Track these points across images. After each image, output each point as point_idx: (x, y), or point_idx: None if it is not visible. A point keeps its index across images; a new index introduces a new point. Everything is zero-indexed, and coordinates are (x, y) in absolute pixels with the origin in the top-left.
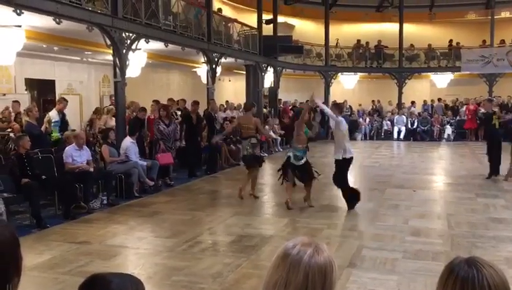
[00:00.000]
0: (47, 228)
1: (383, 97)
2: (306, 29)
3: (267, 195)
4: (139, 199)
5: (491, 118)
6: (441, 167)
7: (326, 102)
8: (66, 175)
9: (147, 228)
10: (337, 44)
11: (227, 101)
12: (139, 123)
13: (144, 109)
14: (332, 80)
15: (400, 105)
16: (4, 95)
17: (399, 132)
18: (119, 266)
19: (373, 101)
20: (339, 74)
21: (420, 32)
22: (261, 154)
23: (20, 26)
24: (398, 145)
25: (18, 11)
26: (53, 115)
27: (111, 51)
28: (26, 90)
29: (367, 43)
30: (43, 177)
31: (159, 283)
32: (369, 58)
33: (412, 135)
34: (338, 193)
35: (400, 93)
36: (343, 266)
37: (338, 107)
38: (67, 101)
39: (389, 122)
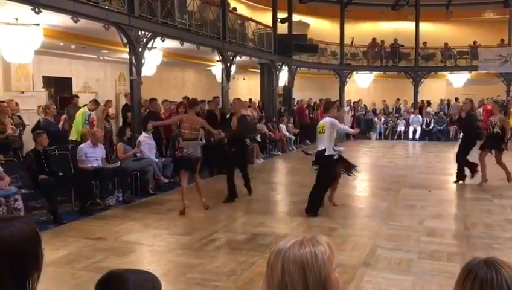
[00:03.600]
0: (63, 224)
1: (398, 96)
2: (321, 27)
3: (280, 194)
4: (153, 196)
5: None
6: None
7: (340, 101)
8: (82, 172)
9: (161, 225)
10: (352, 43)
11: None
12: (152, 118)
13: (154, 100)
14: (347, 79)
15: (415, 104)
16: (22, 92)
17: (414, 132)
18: (134, 263)
19: (398, 99)
20: (354, 72)
21: (437, 31)
22: (198, 155)
23: (38, 24)
24: (413, 145)
25: (36, 9)
26: (86, 111)
27: (127, 50)
28: (43, 87)
29: (382, 41)
30: (60, 174)
31: (174, 280)
32: (385, 57)
33: (427, 135)
34: (352, 192)
35: (416, 92)
36: (358, 266)
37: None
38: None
39: (404, 122)
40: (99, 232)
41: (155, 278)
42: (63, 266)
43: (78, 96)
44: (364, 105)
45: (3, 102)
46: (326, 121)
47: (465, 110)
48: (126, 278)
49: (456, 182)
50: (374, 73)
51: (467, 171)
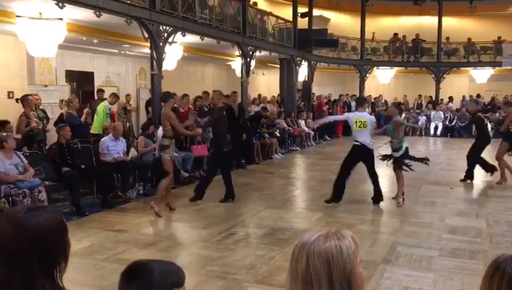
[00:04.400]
0: (86, 216)
1: (419, 92)
2: (341, 22)
3: (298, 189)
4: (173, 189)
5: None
6: (479, 164)
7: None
8: (104, 165)
9: (181, 218)
10: (373, 37)
11: (259, 95)
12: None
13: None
14: (368, 74)
15: (437, 100)
16: (46, 86)
17: (436, 128)
18: (154, 255)
19: (420, 95)
20: (375, 68)
21: (460, 26)
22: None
23: (61, 19)
24: (434, 141)
25: (60, 4)
26: (107, 105)
27: (148, 44)
28: (66, 81)
29: (404, 36)
30: (83, 166)
31: (194, 273)
32: (406, 52)
33: (449, 132)
34: (371, 188)
35: (438, 88)
36: (377, 262)
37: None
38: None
39: (425, 118)
40: (120, 224)
41: (179, 269)
42: (86, 256)
43: (103, 91)
44: (385, 101)
45: (29, 95)
46: (366, 117)
47: (471, 111)
48: (151, 268)
49: (462, 181)
50: (395, 68)
51: (479, 170)
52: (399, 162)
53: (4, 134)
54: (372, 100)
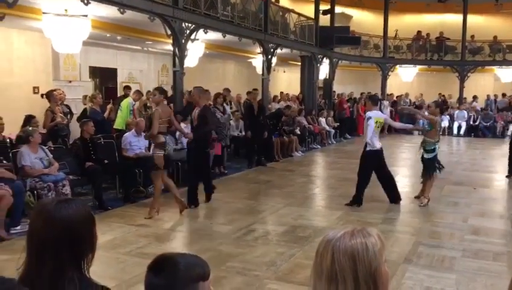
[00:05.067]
0: (108, 210)
1: (442, 91)
2: (364, 19)
3: (318, 187)
4: None
5: None
6: (504, 165)
7: (382, 95)
8: (127, 160)
9: (201, 214)
10: (396, 35)
11: (281, 92)
12: (191, 109)
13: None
14: (390, 73)
15: (461, 99)
16: (70, 82)
17: (459, 128)
18: (176, 250)
19: (443, 95)
20: (397, 66)
21: (485, 24)
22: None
23: (86, 15)
24: (457, 141)
25: (85, 1)
26: (131, 101)
27: (171, 41)
28: (90, 78)
29: (427, 34)
30: (106, 161)
31: (215, 268)
32: (430, 51)
33: (473, 131)
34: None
35: (462, 87)
36: (399, 262)
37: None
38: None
39: (448, 117)
40: (142, 219)
41: (205, 263)
42: (109, 250)
43: (130, 88)
44: (409, 100)
45: (54, 91)
46: (382, 116)
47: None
48: (177, 261)
49: (508, 176)
50: (418, 67)
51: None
52: (428, 165)
53: (30, 128)
54: (395, 98)
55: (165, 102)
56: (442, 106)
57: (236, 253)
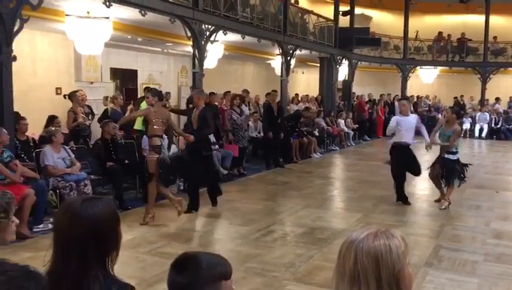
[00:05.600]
0: (128, 210)
1: (464, 93)
2: (384, 20)
3: (337, 189)
4: None
5: None
6: None
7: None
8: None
9: (220, 215)
10: (416, 36)
11: (296, 94)
12: (210, 111)
13: (213, 94)
14: (410, 74)
15: (482, 101)
16: (92, 83)
17: (481, 130)
18: (195, 250)
19: (459, 96)
20: (418, 67)
21: (508, 25)
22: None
23: (108, 17)
24: (479, 143)
25: (107, 3)
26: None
27: (190, 43)
28: (111, 79)
29: (449, 35)
30: (126, 161)
31: (233, 269)
32: (451, 52)
33: (495, 134)
34: (414, 190)
35: (484, 89)
36: (419, 265)
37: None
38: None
39: (470, 120)
40: (161, 219)
41: (227, 262)
42: (129, 249)
43: (150, 88)
44: (430, 102)
45: (76, 91)
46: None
47: None
48: (200, 260)
49: None
50: (439, 68)
51: None
52: (452, 169)
53: (53, 129)
54: (415, 100)
55: (162, 104)
56: (459, 112)
57: (255, 254)
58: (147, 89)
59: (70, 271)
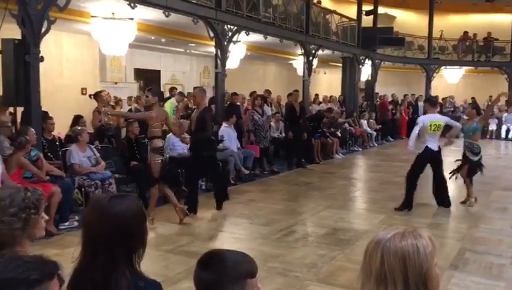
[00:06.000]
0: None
1: (490, 93)
2: (408, 20)
3: (359, 190)
4: (234, 186)
5: None
6: None
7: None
8: (170, 160)
9: (242, 214)
10: (441, 36)
11: (317, 94)
12: (232, 110)
13: (235, 94)
14: (435, 74)
15: (510, 102)
16: (116, 83)
17: (507, 131)
18: (217, 248)
19: (474, 97)
20: (442, 67)
21: None
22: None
23: (132, 19)
24: (505, 145)
25: (132, 4)
26: (174, 102)
27: (213, 43)
28: (134, 79)
29: (474, 35)
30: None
31: None
32: (477, 51)
33: None
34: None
35: (511, 89)
36: (444, 268)
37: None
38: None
39: (496, 120)
40: (184, 218)
41: (252, 260)
42: (152, 247)
43: (176, 88)
44: (455, 102)
45: (101, 92)
46: (440, 119)
47: None
48: (226, 257)
49: None
50: (464, 68)
51: None
52: (475, 166)
53: (79, 128)
54: (440, 101)
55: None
56: (479, 107)
57: (276, 254)
58: (149, 90)
59: (97, 267)
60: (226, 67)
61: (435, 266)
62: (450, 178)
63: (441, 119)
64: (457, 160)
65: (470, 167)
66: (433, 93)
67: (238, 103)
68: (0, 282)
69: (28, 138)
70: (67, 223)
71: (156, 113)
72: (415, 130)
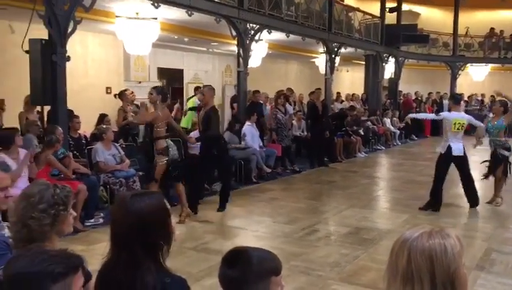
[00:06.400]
0: (174, 206)
1: None
2: (432, 17)
3: (382, 189)
4: (256, 184)
5: None
6: None
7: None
8: (192, 158)
9: (264, 212)
10: (466, 33)
11: (338, 93)
12: (255, 108)
13: (257, 92)
14: (460, 72)
15: None
16: (140, 82)
17: None
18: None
19: (494, 95)
20: (468, 64)
21: None
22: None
23: (156, 18)
24: None
25: (156, 4)
26: (196, 101)
27: (235, 42)
28: (158, 78)
29: (501, 31)
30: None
31: None
32: (504, 48)
33: None
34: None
35: None
36: (470, 268)
37: None
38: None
39: None
40: (206, 216)
41: (276, 258)
42: (175, 244)
43: (200, 88)
44: (482, 100)
45: (125, 91)
46: (465, 117)
47: None
48: (251, 255)
49: None
50: (490, 65)
51: None
52: (504, 163)
53: (104, 126)
54: (466, 99)
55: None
56: (506, 104)
57: (299, 252)
58: (154, 88)
59: (121, 262)
60: (248, 66)
61: (463, 266)
62: (482, 179)
63: (465, 118)
64: (484, 161)
65: (505, 164)
66: (458, 91)
67: (261, 101)
68: (26, 275)
69: (58, 136)
70: (92, 220)
71: (160, 112)
72: (432, 116)
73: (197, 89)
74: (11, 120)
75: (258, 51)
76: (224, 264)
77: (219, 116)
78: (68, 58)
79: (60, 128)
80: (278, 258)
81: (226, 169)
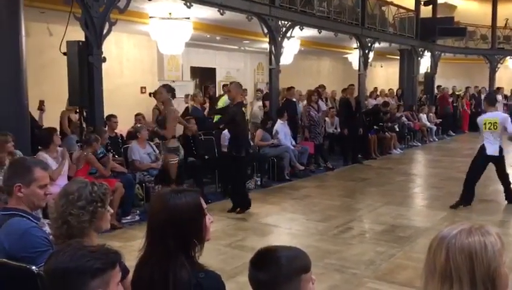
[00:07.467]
0: (209, 203)
1: None
2: (469, 9)
3: (419, 187)
4: (289, 182)
5: None
6: None
7: (490, 89)
8: (225, 156)
9: (298, 210)
10: (506, 25)
11: (375, 88)
12: (289, 106)
13: (291, 88)
14: (499, 65)
15: None
16: (173, 81)
17: None
18: (273, 244)
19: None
20: (507, 57)
21: None
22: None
23: (188, 18)
24: None
25: (188, 4)
26: (227, 99)
27: (267, 39)
28: (191, 77)
29: None
30: (206, 157)
31: (312, 264)
32: None
33: None
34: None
35: None
36: (509, 268)
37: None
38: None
39: None
40: (240, 213)
41: (305, 255)
42: (210, 241)
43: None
44: None
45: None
46: (497, 116)
47: None
48: (279, 256)
49: None
50: None
51: None
52: None
53: (139, 125)
54: (505, 93)
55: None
56: None
57: (333, 250)
58: (164, 86)
59: (155, 257)
60: (279, 63)
61: (504, 265)
62: None
63: (497, 116)
64: None
65: None
66: (497, 84)
67: (294, 99)
68: (66, 270)
69: (97, 136)
70: (129, 217)
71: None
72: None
73: (225, 86)
74: (50, 121)
75: (290, 48)
76: (252, 267)
77: (244, 112)
78: (104, 59)
79: (105, 130)
80: (306, 255)
81: (240, 173)
